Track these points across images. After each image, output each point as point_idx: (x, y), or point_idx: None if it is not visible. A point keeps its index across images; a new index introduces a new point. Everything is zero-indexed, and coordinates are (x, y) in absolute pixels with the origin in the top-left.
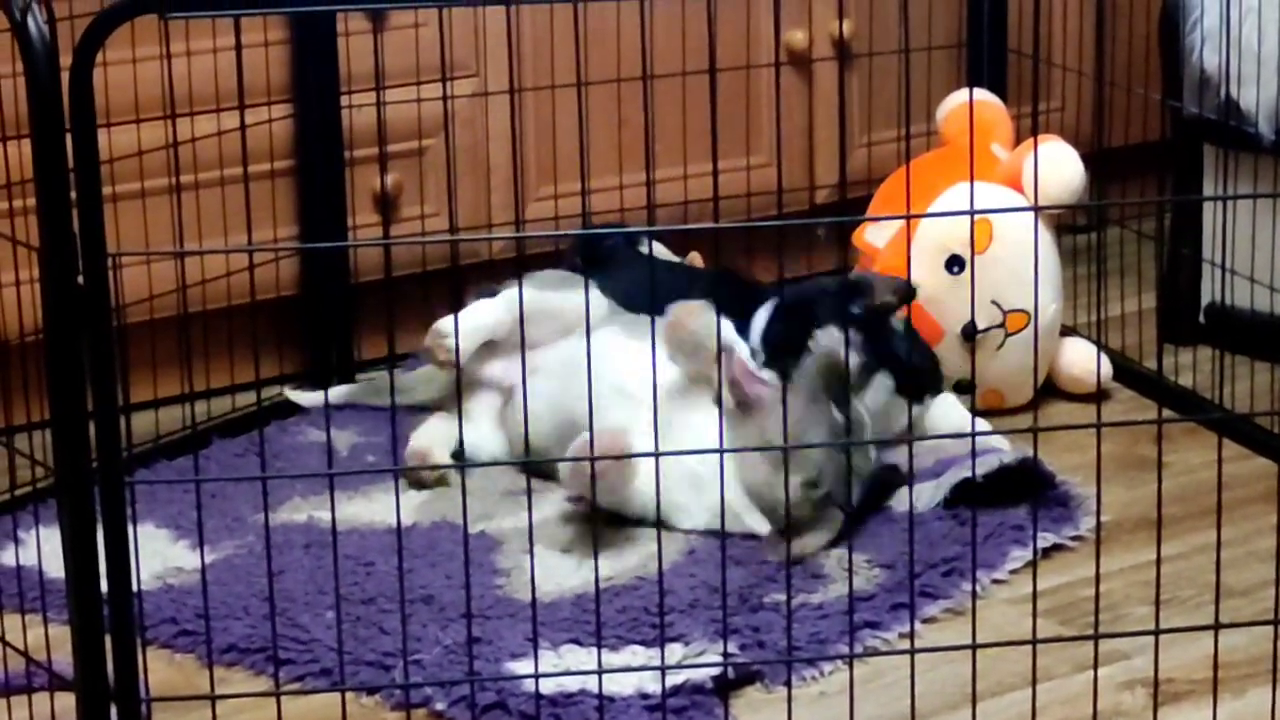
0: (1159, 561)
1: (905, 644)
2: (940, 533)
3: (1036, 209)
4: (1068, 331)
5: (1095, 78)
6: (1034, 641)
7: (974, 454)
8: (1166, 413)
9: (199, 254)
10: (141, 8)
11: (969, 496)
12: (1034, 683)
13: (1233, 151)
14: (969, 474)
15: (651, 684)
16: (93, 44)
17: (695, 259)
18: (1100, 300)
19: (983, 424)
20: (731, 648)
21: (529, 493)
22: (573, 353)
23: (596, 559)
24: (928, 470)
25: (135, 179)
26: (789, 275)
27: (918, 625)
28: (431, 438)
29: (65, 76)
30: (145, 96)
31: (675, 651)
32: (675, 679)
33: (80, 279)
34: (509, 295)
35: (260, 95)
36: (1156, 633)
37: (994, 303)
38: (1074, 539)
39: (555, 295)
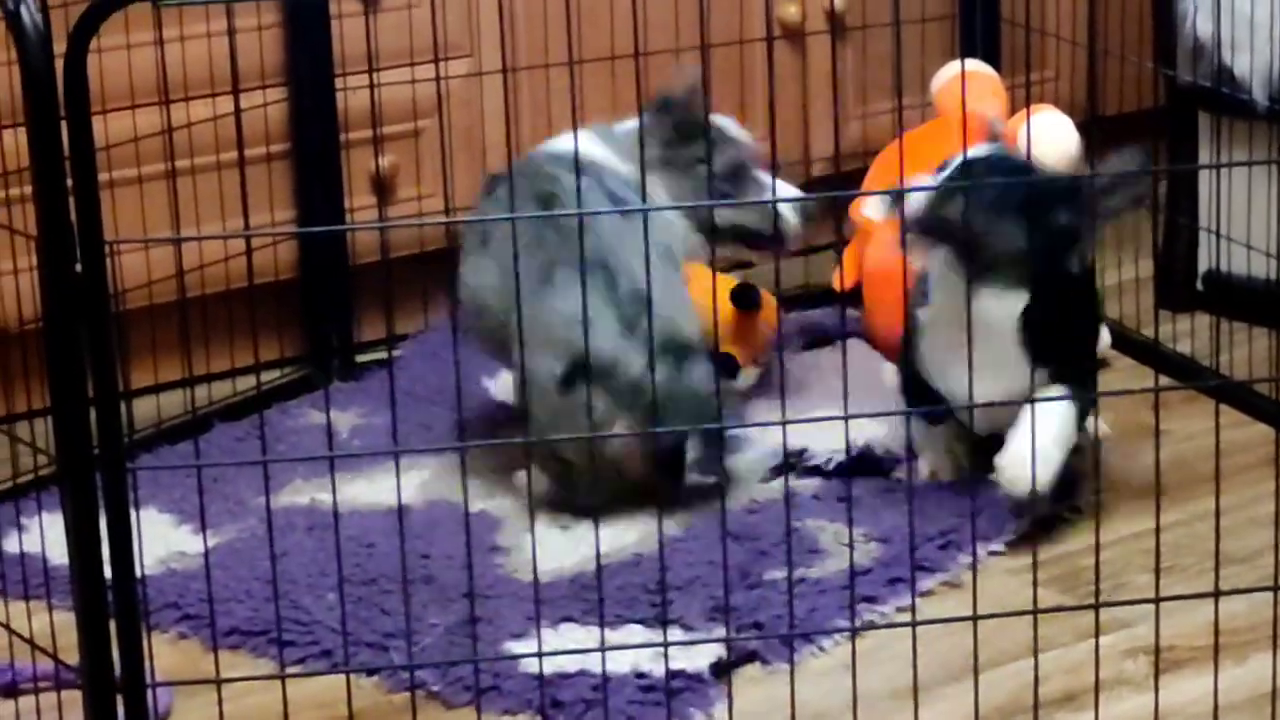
0: (1158, 530)
1: (904, 617)
2: (935, 505)
3: (1028, 181)
4: None
5: (1089, 46)
6: (1035, 612)
7: (971, 422)
8: (1164, 380)
9: (196, 240)
10: None
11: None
12: (1035, 652)
13: (1227, 118)
14: None
15: (648, 663)
16: (87, 32)
17: None
18: (1097, 269)
19: None
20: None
21: (529, 470)
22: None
23: (598, 536)
24: None
25: (132, 165)
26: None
27: (917, 600)
28: None
29: (60, 64)
30: (140, 82)
31: (674, 633)
32: (674, 664)
33: (78, 267)
34: None
35: (255, 79)
36: (1157, 601)
37: None
38: (1072, 510)
39: None
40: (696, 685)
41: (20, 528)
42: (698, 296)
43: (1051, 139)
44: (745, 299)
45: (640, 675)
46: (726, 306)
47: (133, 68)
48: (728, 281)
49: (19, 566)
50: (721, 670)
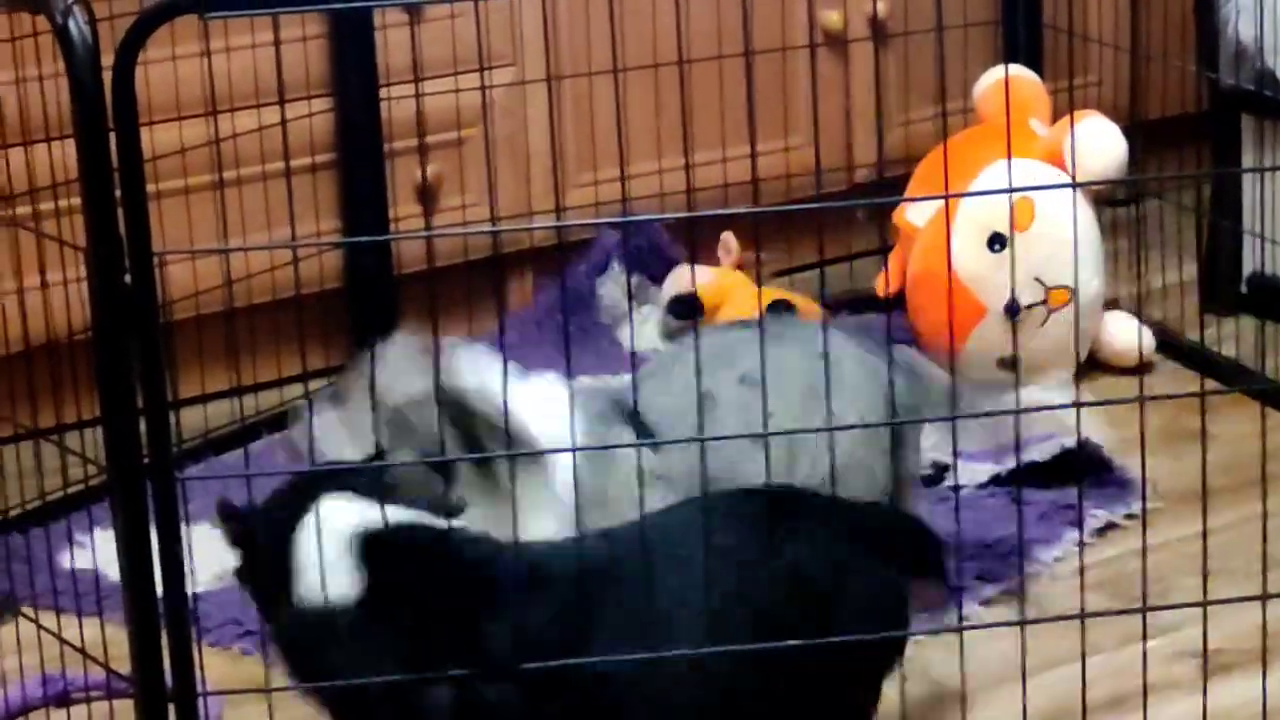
0: (1204, 534)
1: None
2: (994, 514)
3: (1074, 186)
4: (1110, 305)
5: (1131, 51)
6: (1081, 616)
7: (1017, 430)
8: (1209, 384)
9: (243, 250)
10: (181, 8)
11: (1021, 478)
12: (1083, 657)
13: (1270, 121)
14: (1033, 459)
15: None
16: (134, 46)
17: (728, 240)
18: (1141, 273)
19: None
20: None
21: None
22: None
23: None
24: (987, 453)
25: (178, 176)
26: (829, 257)
27: (977, 608)
28: None
29: (106, 75)
30: (186, 94)
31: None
32: None
33: (127, 279)
34: None
35: (301, 90)
36: (1204, 604)
37: (1037, 279)
38: (1128, 517)
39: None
40: None
41: (72, 541)
42: (736, 307)
43: (1097, 145)
44: (780, 311)
45: None
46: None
47: (179, 79)
48: (767, 293)
49: (70, 578)
50: None
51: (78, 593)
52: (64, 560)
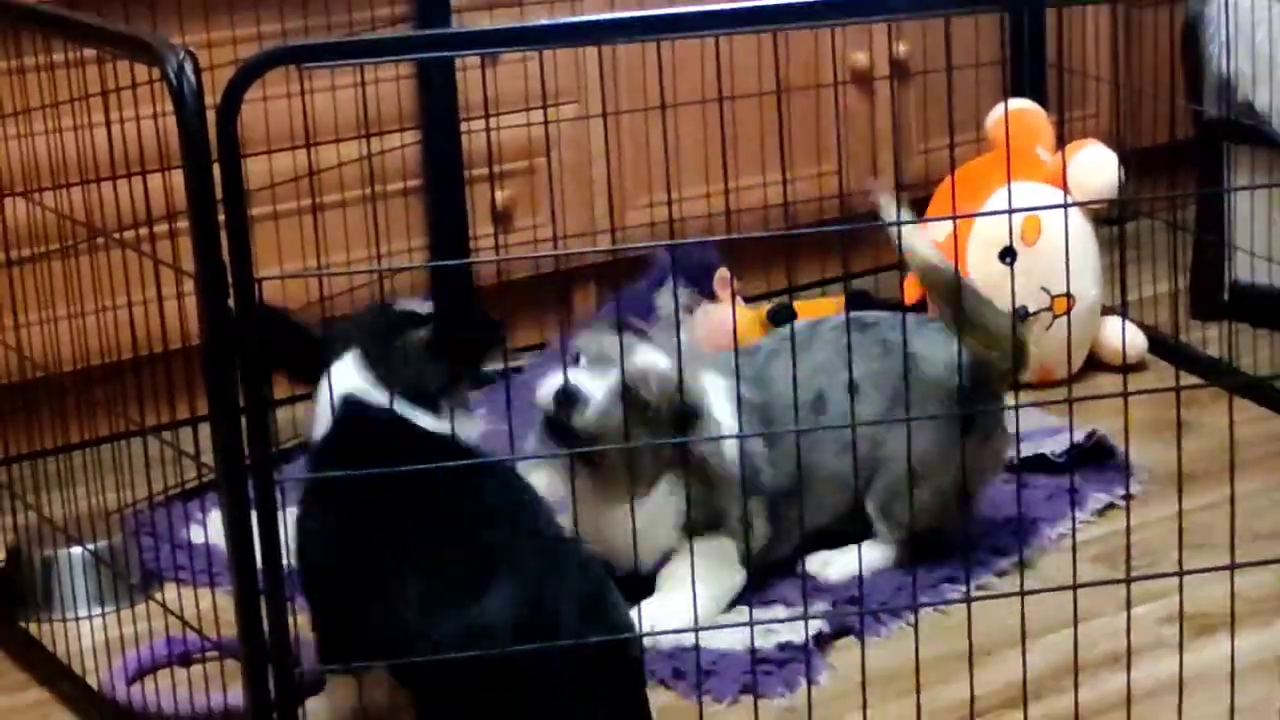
0: (1180, 512)
1: (977, 594)
2: (1005, 496)
3: (1065, 206)
4: (1108, 311)
5: (1124, 86)
6: (1074, 587)
7: (1018, 425)
8: (1187, 379)
9: (336, 274)
10: (280, 59)
11: (1031, 465)
12: (1075, 622)
13: (1249, 148)
14: (1043, 451)
15: (759, 639)
16: (238, 90)
17: (722, 275)
18: (1134, 283)
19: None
20: (825, 604)
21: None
22: None
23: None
24: None
25: (269, 203)
26: (856, 270)
27: (991, 578)
28: None
29: (210, 115)
30: (276, 128)
31: (778, 613)
32: (781, 638)
33: (230, 301)
34: None
35: (393, 123)
36: (1180, 574)
37: (1043, 288)
38: (1124, 497)
39: None
40: (802, 656)
41: (189, 526)
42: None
43: (1098, 170)
44: (781, 317)
45: (753, 650)
46: (756, 330)
47: (273, 114)
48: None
49: (189, 558)
50: (822, 642)
51: (194, 570)
52: (185, 538)
